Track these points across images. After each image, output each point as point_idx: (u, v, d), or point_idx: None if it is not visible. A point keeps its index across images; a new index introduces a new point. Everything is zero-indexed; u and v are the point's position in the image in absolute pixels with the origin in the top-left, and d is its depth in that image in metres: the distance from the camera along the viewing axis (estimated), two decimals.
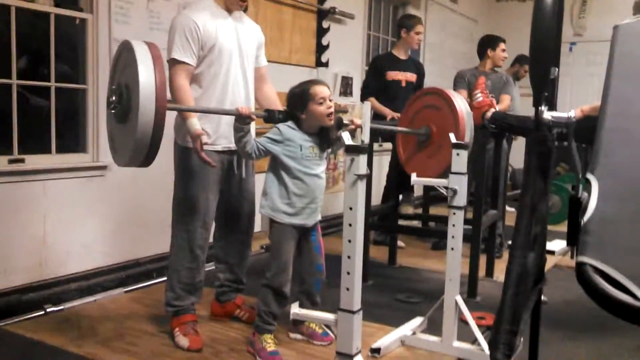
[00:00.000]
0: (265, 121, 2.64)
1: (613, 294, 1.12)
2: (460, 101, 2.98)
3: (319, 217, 2.75)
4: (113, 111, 2.17)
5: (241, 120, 2.42)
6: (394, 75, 4.70)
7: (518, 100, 6.39)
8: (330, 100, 2.57)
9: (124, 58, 2.20)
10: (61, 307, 3.19)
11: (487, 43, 4.88)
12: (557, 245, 4.81)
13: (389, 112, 4.55)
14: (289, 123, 2.60)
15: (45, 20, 3.29)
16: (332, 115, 2.56)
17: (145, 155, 2.09)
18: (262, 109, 3.01)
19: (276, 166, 2.62)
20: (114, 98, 2.15)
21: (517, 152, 6.25)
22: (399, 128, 3.19)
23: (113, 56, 2.33)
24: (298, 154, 2.57)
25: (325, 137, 2.62)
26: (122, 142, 2.21)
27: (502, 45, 4.86)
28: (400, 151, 3.23)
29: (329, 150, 2.70)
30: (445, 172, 2.88)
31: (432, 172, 3.08)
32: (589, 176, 1.33)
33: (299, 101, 2.57)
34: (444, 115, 2.96)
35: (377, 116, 4.55)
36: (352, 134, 2.30)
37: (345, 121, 2.57)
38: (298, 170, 2.58)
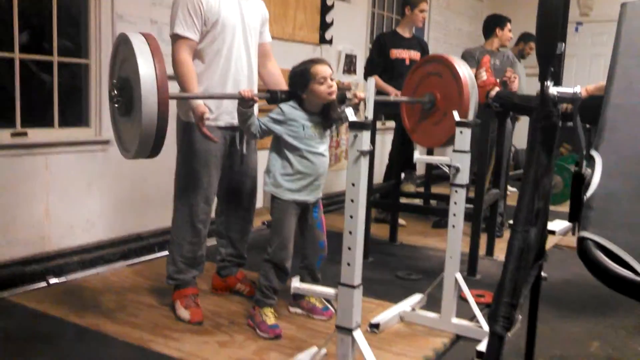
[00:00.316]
0: (268, 102, 2.63)
1: (614, 269, 1.12)
2: (463, 67, 2.95)
3: (321, 195, 2.76)
4: (116, 105, 2.17)
5: (244, 104, 2.42)
6: (398, 53, 4.67)
7: (524, 80, 6.36)
8: (331, 79, 2.56)
9: (122, 51, 2.19)
10: (63, 279, 3.22)
11: (496, 22, 4.85)
12: (558, 225, 4.82)
13: (392, 91, 4.53)
14: (292, 103, 2.59)
15: None
16: (333, 94, 2.56)
17: (151, 147, 2.10)
18: (265, 88, 3.02)
19: (279, 145, 2.62)
20: (115, 92, 2.15)
21: (520, 133, 6.25)
22: (403, 98, 3.17)
23: (111, 50, 2.31)
24: (301, 133, 2.57)
25: (327, 116, 2.62)
26: (128, 135, 2.22)
27: (509, 25, 4.84)
28: (405, 121, 3.22)
29: (332, 128, 2.70)
30: (452, 139, 2.86)
31: (438, 139, 3.08)
32: (593, 152, 1.33)
33: (300, 80, 2.56)
34: (448, 81, 2.94)
35: (380, 94, 4.52)
36: (356, 108, 2.29)
37: (348, 96, 2.57)
38: (301, 149, 2.59)
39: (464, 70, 2.93)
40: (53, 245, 3.33)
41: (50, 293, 3.06)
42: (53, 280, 3.17)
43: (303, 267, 2.81)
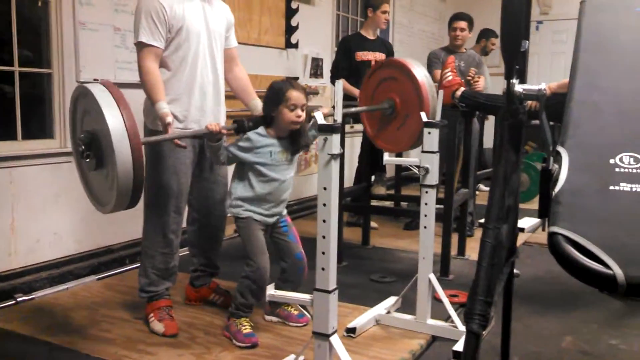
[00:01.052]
0: (236, 132, 2.60)
1: (585, 263, 1.14)
2: (418, 69, 2.93)
3: (284, 211, 2.77)
4: (87, 160, 2.10)
5: (212, 138, 2.42)
6: (363, 55, 4.69)
7: (489, 79, 6.46)
8: (302, 109, 2.55)
9: (82, 104, 2.13)
10: (32, 296, 3.14)
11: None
12: (526, 222, 4.87)
13: (357, 93, 4.54)
14: (259, 130, 2.59)
15: (6, 3, 3.19)
16: (298, 125, 2.56)
17: (130, 197, 2.04)
18: (234, 93, 3.00)
19: (243, 172, 2.63)
20: (83, 147, 2.07)
21: (486, 132, 6.34)
22: (363, 108, 3.17)
23: (69, 105, 2.23)
24: (268, 160, 2.59)
25: (295, 141, 2.63)
26: (101, 188, 2.15)
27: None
28: (367, 128, 3.21)
29: (299, 153, 2.71)
30: (419, 141, 2.86)
31: (404, 143, 3.07)
32: (559, 149, 1.35)
33: (274, 98, 2.56)
34: (405, 85, 2.93)
35: (347, 97, 4.52)
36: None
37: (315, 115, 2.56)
38: (266, 176, 2.60)
39: (420, 72, 2.91)
40: (20, 261, 3.25)
41: (19, 311, 2.99)
42: (21, 298, 3.09)
43: (283, 280, 2.76)
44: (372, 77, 3.12)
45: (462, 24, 4.82)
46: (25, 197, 3.26)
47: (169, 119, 2.52)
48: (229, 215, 2.72)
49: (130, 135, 1.96)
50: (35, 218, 3.32)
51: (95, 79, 3.49)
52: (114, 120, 1.95)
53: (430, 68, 4.72)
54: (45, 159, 3.36)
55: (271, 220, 2.70)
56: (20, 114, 3.28)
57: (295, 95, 2.53)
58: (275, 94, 2.55)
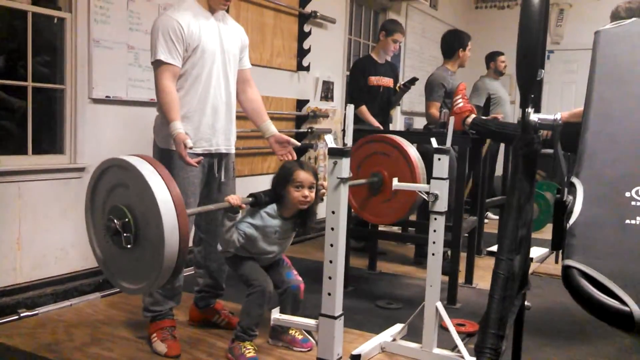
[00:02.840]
0: (252, 206, 2.59)
1: (600, 298, 1.11)
2: (411, 149, 3.07)
3: None
4: (117, 237, 1.86)
5: (232, 210, 2.43)
6: (375, 80, 4.69)
7: (508, 104, 6.49)
8: (310, 189, 2.58)
9: (111, 177, 1.92)
10: (36, 312, 3.12)
11: (459, 42, 4.62)
12: (535, 252, 4.84)
13: (373, 122, 4.56)
14: (271, 210, 2.62)
15: (23, 19, 3.23)
16: (305, 205, 2.59)
17: (172, 273, 1.83)
18: (247, 114, 3.01)
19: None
20: (115, 224, 1.84)
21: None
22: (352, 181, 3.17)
23: (92, 177, 1.98)
24: (272, 237, 2.66)
25: (302, 222, 2.69)
26: (131, 269, 1.92)
27: (469, 45, 4.68)
28: (351, 201, 3.21)
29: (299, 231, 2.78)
30: (407, 216, 2.91)
31: (390, 217, 3.15)
32: (574, 180, 1.33)
33: (282, 178, 2.61)
34: (395, 161, 3.04)
35: (358, 120, 4.48)
36: (321, 199, 2.35)
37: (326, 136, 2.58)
38: (266, 247, 2.68)
39: (412, 152, 3.05)
40: (25, 276, 3.24)
41: (22, 327, 2.96)
42: (25, 313, 3.07)
43: (283, 295, 2.76)
44: (362, 148, 3.21)
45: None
46: (33, 212, 3.25)
47: (189, 142, 2.52)
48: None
49: (179, 212, 1.78)
50: (42, 233, 3.31)
51: (107, 96, 3.51)
52: (163, 197, 1.77)
53: (432, 95, 4.57)
54: (54, 174, 3.36)
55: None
56: (31, 129, 3.30)
57: (302, 175, 2.57)
58: (285, 172, 2.61)
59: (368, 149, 3.18)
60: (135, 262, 1.88)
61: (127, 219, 1.83)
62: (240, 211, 2.45)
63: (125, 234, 1.83)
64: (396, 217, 3.10)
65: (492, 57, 6.36)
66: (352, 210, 3.30)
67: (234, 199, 2.36)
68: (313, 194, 2.59)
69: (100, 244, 2.01)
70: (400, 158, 3.03)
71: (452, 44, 4.63)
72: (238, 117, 2.98)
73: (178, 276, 1.97)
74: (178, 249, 1.78)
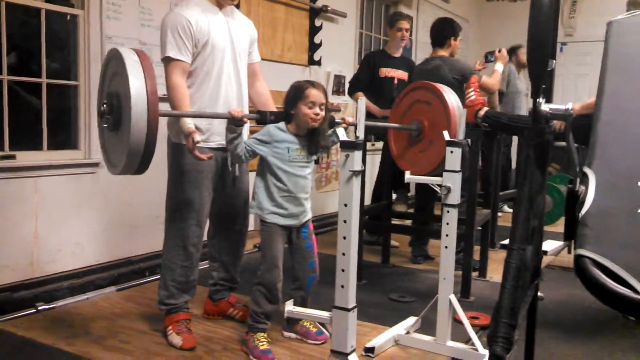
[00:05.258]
0: (257, 122, 2.63)
1: (612, 287, 1.11)
2: (451, 95, 2.97)
3: (309, 216, 2.75)
4: (105, 120, 2.16)
5: (234, 122, 2.43)
6: (387, 72, 4.70)
7: (523, 96, 6.47)
8: (320, 108, 2.56)
9: (113, 66, 2.18)
10: (53, 305, 3.16)
11: (451, 30, 4.38)
12: (549, 245, 4.82)
13: (378, 111, 4.55)
14: (279, 125, 2.60)
15: (36, 16, 3.26)
16: (316, 122, 2.56)
17: (139, 163, 2.07)
18: (255, 108, 3.01)
19: (263, 169, 2.63)
20: (104, 107, 2.13)
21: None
22: (391, 124, 3.17)
23: (101, 66, 2.30)
24: (285, 156, 2.59)
25: (314, 141, 2.62)
26: (115, 150, 2.20)
27: (460, 35, 4.50)
28: (392, 147, 3.21)
29: (317, 154, 2.70)
30: (438, 168, 2.86)
31: (423, 167, 3.05)
32: (586, 170, 1.33)
33: (293, 96, 2.58)
34: (436, 109, 2.94)
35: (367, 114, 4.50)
36: (345, 131, 2.29)
37: (337, 119, 2.57)
38: (284, 171, 2.59)
39: (452, 100, 2.94)
40: (42, 270, 3.29)
41: (39, 320, 3.01)
42: (42, 307, 3.11)
43: (295, 289, 2.78)
44: (407, 96, 3.14)
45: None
46: (49, 207, 3.29)
47: (197, 137, 2.53)
48: (251, 215, 2.72)
49: (149, 102, 2.00)
50: (58, 228, 3.35)
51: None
52: (137, 84, 1.99)
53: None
54: (70, 169, 3.40)
55: (294, 222, 2.69)
56: (46, 125, 3.34)
57: (314, 93, 2.55)
58: (295, 91, 2.58)
59: (411, 97, 3.11)
60: (116, 145, 2.14)
61: (112, 104, 2.09)
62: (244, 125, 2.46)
63: (107, 116, 2.11)
64: (429, 169, 3.01)
65: (513, 51, 6.34)
66: (392, 155, 3.27)
67: (236, 111, 2.38)
68: (323, 112, 2.57)
69: (101, 129, 2.29)
70: (440, 107, 2.94)
71: (444, 31, 4.38)
72: (251, 111, 2.99)
73: (147, 163, 2.10)
74: (146, 132, 2.00)
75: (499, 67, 4.35)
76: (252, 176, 3.04)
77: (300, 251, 2.76)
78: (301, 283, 2.77)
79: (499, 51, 4.47)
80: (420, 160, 3.05)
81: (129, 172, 2.15)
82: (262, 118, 2.55)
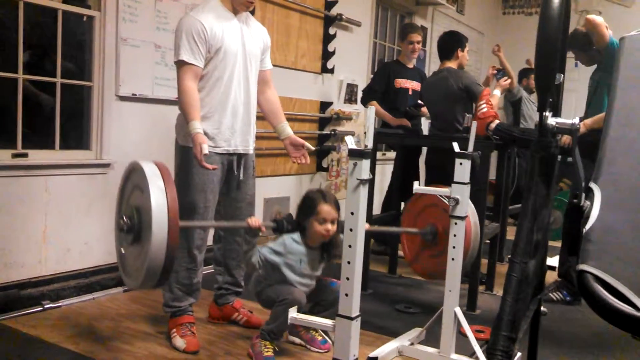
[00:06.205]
0: (274, 232, 2.60)
1: (614, 304, 1.10)
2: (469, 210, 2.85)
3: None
4: (124, 233, 2.10)
5: (251, 233, 2.45)
6: (402, 83, 4.73)
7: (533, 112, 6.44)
8: (332, 223, 2.60)
9: (134, 179, 2.16)
10: (59, 304, 3.18)
11: (457, 42, 4.39)
12: (557, 260, 4.77)
13: (391, 119, 4.57)
14: (294, 236, 2.64)
15: (53, 16, 3.30)
16: (327, 237, 2.62)
17: (158, 277, 2.02)
18: (264, 114, 3.02)
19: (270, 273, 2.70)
20: (124, 220, 2.08)
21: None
22: (405, 229, 3.10)
23: (121, 178, 2.26)
24: (297, 268, 2.66)
25: (328, 252, 2.70)
26: (133, 264, 2.14)
27: (467, 46, 4.49)
28: (405, 251, 3.14)
29: (329, 262, 2.76)
30: None
31: (438, 273, 2.92)
32: (592, 185, 1.32)
33: (306, 209, 2.64)
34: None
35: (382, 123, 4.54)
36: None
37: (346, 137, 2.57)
38: (294, 280, 2.67)
39: (471, 218, 2.85)
40: (50, 268, 3.31)
41: (45, 318, 3.03)
42: (48, 305, 3.14)
43: (323, 310, 2.76)
44: (421, 198, 3.03)
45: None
46: (59, 206, 3.32)
47: (206, 148, 2.52)
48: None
49: (170, 217, 1.96)
50: (67, 227, 3.38)
51: (133, 94, 3.57)
52: (157, 199, 1.95)
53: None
54: (81, 169, 3.42)
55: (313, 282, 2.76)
56: (59, 124, 3.37)
57: (325, 210, 2.59)
58: (309, 204, 2.63)
59: (425, 199, 3.01)
60: (134, 260, 2.08)
61: (133, 220, 2.03)
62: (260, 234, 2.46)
63: (127, 232, 2.05)
64: (435, 276, 2.95)
65: (525, 74, 6.30)
66: (405, 259, 3.21)
67: (253, 221, 2.37)
68: (335, 227, 2.61)
69: (119, 239, 2.22)
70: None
71: (451, 44, 4.39)
72: (260, 118, 3.00)
73: (165, 278, 2.04)
74: (165, 255, 1.94)
75: (496, 92, 4.31)
76: (258, 181, 3.05)
77: (324, 287, 2.81)
78: (327, 303, 2.77)
79: (505, 80, 4.45)
80: (433, 266, 2.97)
81: (147, 286, 2.10)
82: (279, 227, 2.54)
